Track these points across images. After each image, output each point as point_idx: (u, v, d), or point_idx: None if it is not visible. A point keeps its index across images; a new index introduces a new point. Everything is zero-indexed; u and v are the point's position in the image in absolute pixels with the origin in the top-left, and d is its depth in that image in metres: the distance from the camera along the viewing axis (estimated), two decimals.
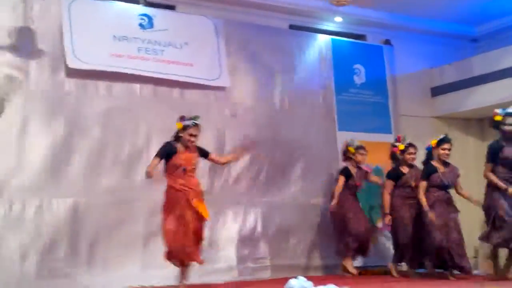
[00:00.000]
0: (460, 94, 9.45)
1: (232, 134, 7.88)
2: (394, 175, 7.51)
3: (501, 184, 6.17)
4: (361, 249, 7.67)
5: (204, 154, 6.28)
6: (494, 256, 6.47)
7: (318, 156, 8.43)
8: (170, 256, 5.93)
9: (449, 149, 6.90)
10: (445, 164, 6.91)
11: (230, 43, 8.13)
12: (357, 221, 7.57)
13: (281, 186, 8.11)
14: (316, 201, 8.27)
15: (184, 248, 5.83)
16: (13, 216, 6.44)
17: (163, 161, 6.04)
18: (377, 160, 8.34)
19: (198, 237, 5.97)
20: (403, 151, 7.51)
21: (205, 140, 7.54)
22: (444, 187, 6.87)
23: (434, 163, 6.90)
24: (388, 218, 7.43)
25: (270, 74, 8.42)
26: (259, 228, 7.80)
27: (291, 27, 9.05)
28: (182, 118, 6.12)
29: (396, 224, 7.37)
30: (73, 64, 6.94)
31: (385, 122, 9.03)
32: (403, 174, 7.47)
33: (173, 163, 5.97)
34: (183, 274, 6.04)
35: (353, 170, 7.76)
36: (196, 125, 6.08)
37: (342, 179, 7.70)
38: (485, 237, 6.39)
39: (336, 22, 9.30)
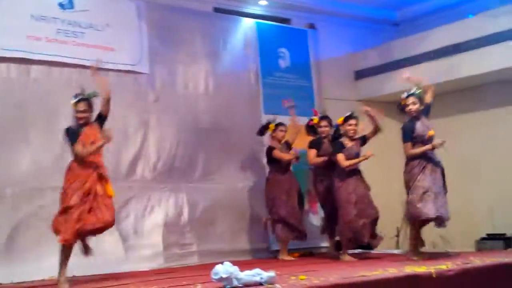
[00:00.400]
0: (382, 77, 9.64)
1: (156, 119, 7.75)
2: (316, 144, 7.55)
3: (426, 147, 6.33)
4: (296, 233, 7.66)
5: (101, 119, 5.83)
6: (415, 233, 6.56)
7: (244, 139, 8.41)
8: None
9: (356, 125, 7.02)
10: (352, 140, 7.03)
11: (153, 27, 7.96)
12: (289, 207, 7.56)
13: (207, 171, 8.06)
14: (243, 185, 8.27)
15: None
16: None
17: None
18: (302, 144, 8.38)
19: None
20: (318, 125, 7.62)
21: (129, 126, 7.50)
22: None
23: (343, 140, 7.02)
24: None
25: (194, 58, 8.32)
26: (185, 214, 7.71)
27: (216, 10, 8.96)
28: (75, 96, 5.78)
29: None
30: None
31: (310, 105, 9.07)
32: (323, 144, 7.53)
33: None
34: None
35: (277, 147, 7.73)
36: (81, 100, 5.71)
37: (277, 152, 7.63)
38: (412, 212, 6.40)
39: (261, 6, 9.30)
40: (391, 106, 10.06)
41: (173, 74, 8.08)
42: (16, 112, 6.78)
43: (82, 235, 5.52)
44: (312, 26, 9.63)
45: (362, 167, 7.17)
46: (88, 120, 5.75)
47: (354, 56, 10.06)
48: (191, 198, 7.80)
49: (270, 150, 7.71)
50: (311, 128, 7.76)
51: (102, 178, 5.67)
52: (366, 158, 6.82)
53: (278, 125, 7.79)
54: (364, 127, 7.15)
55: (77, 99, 5.73)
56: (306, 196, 8.06)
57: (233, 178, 8.21)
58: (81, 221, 5.40)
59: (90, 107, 5.77)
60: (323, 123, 7.58)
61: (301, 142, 8.03)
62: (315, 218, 8.50)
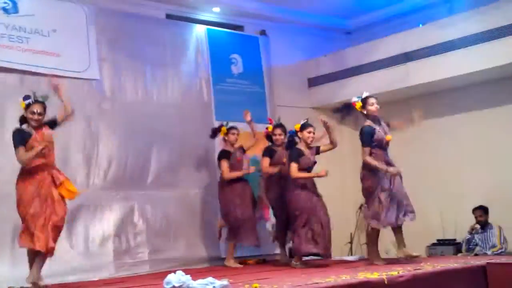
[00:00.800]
0: (335, 85, 9.71)
1: (105, 126, 7.63)
2: (270, 152, 7.51)
3: (382, 166, 6.34)
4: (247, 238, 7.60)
5: (53, 123, 5.85)
6: (374, 238, 6.60)
7: (196, 146, 8.37)
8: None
9: (313, 133, 6.98)
10: (309, 148, 7.02)
11: (102, 33, 7.85)
12: (242, 210, 7.52)
13: (159, 178, 7.97)
14: (195, 192, 8.22)
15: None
16: None
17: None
18: (253, 151, 8.36)
19: None
20: (272, 132, 7.58)
21: (77, 132, 7.34)
22: (309, 170, 6.98)
23: (300, 146, 7.00)
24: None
25: (144, 65, 8.23)
26: (136, 222, 7.61)
27: (168, 16, 8.89)
28: (25, 97, 5.71)
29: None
30: None
31: (262, 112, 9.06)
32: (276, 152, 7.50)
33: (31, 147, 5.55)
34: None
35: (231, 149, 7.70)
36: (37, 102, 5.67)
37: (225, 162, 7.58)
38: (374, 219, 6.43)
39: (214, 12, 9.27)
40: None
41: (123, 80, 7.95)
42: None
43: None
44: (263, 33, 9.64)
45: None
46: (41, 123, 5.69)
47: (307, 63, 10.10)
48: (143, 206, 7.70)
49: (221, 154, 7.67)
50: (268, 137, 7.72)
51: (56, 181, 5.63)
52: (319, 176, 6.78)
53: (230, 128, 7.77)
54: (319, 136, 7.13)
55: (32, 101, 5.66)
56: (258, 202, 8.03)
57: (185, 185, 8.14)
58: (47, 225, 5.43)
59: (44, 110, 5.72)
60: (277, 131, 7.54)
61: (254, 149, 8.01)
62: (267, 224, 8.47)
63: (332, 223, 6.84)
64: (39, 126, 5.69)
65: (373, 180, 6.40)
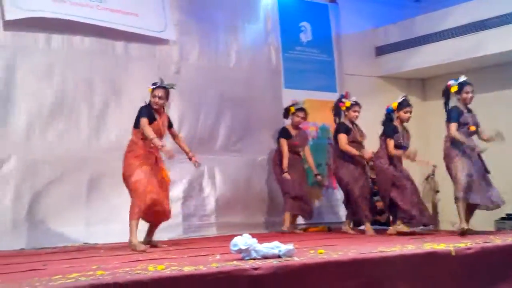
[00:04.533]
0: (403, 54, 9.54)
1: (177, 90, 7.72)
2: (346, 129, 7.44)
3: (470, 143, 6.38)
4: (303, 212, 7.75)
5: (169, 124, 6.24)
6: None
7: (264, 113, 8.42)
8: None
9: (411, 112, 7.01)
10: (403, 126, 7.04)
11: None
12: (296, 184, 7.63)
13: (227, 143, 8.09)
14: (262, 158, 8.29)
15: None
16: None
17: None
18: (322, 119, 8.38)
19: None
20: (348, 108, 7.52)
21: (148, 97, 7.48)
22: (401, 148, 6.99)
23: (396, 123, 7.02)
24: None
25: (216, 30, 8.28)
26: (204, 185, 7.78)
27: None
28: (153, 84, 6.05)
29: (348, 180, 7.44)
30: (11, 15, 6.60)
31: (330, 80, 9.04)
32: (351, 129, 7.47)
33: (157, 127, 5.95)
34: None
35: (292, 131, 7.77)
36: (160, 87, 6.00)
37: (284, 142, 7.72)
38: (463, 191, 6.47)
39: None
40: (411, 82, 10.09)
41: (195, 45, 8.05)
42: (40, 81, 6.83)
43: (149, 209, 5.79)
44: (333, 1, 9.53)
45: None
46: (162, 108, 6.05)
47: (375, 31, 9.95)
48: (211, 170, 7.84)
49: (281, 132, 7.78)
50: (338, 110, 7.66)
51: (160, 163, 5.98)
52: (426, 164, 6.96)
53: (298, 110, 7.77)
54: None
55: (156, 86, 5.99)
56: (326, 170, 8.04)
57: (252, 151, 8.22)
58: (148, 193, 5.74)
59: (167, 96, 6.06)
60: (357, 108, 7.43)
61: (321, 117, 8.01)
62: (335, 193, 8.51)
63: None
64: (160, 110, 6.01)
65: (451, 157, 6.45)
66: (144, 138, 5.87)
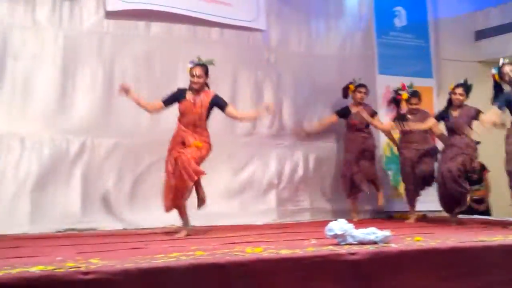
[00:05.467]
0: (506, 38, 9.14)
1: (270, 77, 7.83)
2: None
3: None
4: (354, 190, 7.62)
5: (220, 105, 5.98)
6: None
7: None
8: None
9: (461, 94, 6.73)
10: (460, 107, 6.77)
11: None
12: (348, 164, 7.55)
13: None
14: None
15: None
16: (60, 154, 6.57)
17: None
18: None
19: None
20: (406, 99, 7.37)
21: (244, 83, 7.60)
22: (451, 131, 6.78)
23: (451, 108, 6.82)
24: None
25: (308, 17, 8.25)
26: (299, 171, 7.82)
27: None
28: (190, 62, 5.96)
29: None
30: (112, 6, 6.91)
31: (426, 66, 8.82)
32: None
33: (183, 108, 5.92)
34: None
35: (354, 109, 7.68)
36: (197, 65, 5.88)
37: (333, 117, 7.78)
38: None
39: None
40: None
41: (287, 32, 8.07)
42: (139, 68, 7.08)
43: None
44: None
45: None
46: (202, 87, 5.89)
47: (474, 14, 9.57)
48: (306, 156, 7.87)
49: (343, 110, 7.71)
50: (396, 102, 7.51)
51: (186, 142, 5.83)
52: None
53: (358, 86, 7.67)
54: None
55: (193, 65, 5.88)
56: None
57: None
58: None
59: (205, 73, 5.90)
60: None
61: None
62: None
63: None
64: (198, 90, 5.88)
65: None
66: (180, 120, 5.89)
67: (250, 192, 7.40)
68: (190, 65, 5.92)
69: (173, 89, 6.52)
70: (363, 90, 7.68)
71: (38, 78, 6.61)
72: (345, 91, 7.81)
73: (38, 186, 6.41)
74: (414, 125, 7.05)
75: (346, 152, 7.66)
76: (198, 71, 5.85)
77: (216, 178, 6.76)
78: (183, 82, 7.09)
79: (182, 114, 5.89)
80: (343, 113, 7.74)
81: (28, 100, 6.55)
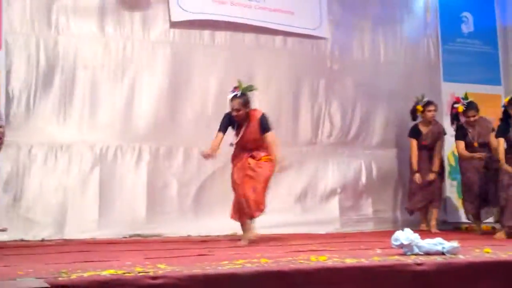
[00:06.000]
0: None
1: (333, 85, 7.81)
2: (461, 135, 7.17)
3: None
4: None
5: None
6: None
7: None
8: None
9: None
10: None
11: None
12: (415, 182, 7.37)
13: (385, 138, 8.00)
14: None
15: None
16: (126, 162, 6.74)
17: None
18: (484, 112, 7.98)
19: None
20: (463, 112, 7.18)
21: (306, 91, 7.60)
22: None
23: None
24: None
25: (372, 24, 8.19)
26: (362, 180, 7.77)
27: None
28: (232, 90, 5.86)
29: None
30: (176, 15, 7.03)
31: (495, 73, 8.61)
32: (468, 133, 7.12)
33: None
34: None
35: (423, 129, 7.51)
36: (235, 97, 5.75)
37: (413, 142, 7.47)
38: None
39: None
40: None
41: (351, 39, 8.03)
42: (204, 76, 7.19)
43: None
44: None
45: None
46: (244, 118, 5.79)
47: None
48: (369, 165, 7.82)
49: (410, 131, 7.56)
50: (455, 116, 7.32)
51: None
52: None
53: (426, 105, 7.49)
54: None
55: (231, 95, 5.78)
56: None
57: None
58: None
59: (244, 105, 5.75)
60: (472, 112, 7.03)
61: (483, 111, 7.65)
62: None
63: None
64: (242, 121, 5.79)
65: None
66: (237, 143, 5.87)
67: (313, 201, 7.40)
68: (229, 96, 5.85)
69: None
70: (432, 108, 7.50)
71: (106, 87, 6.79)
72: (414, 114, 7.64)
73: (105, 193, 6.58)
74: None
75: (418, 169, 7.43)
76: (236, 104, 5.73)
77: (279, 187, 6.76)
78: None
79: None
80: (414, 133, 7.55)
81: (96, 108, 6.74)
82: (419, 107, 7.54)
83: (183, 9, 7.07)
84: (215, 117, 7.02)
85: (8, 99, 6.34)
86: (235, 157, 5.92)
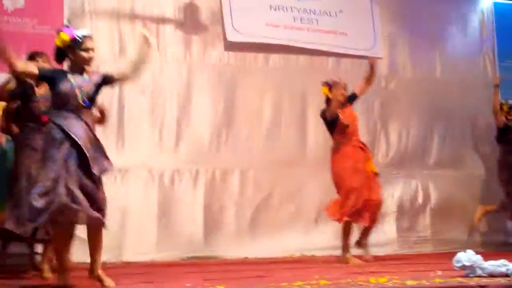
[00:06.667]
0: None
1: (388, 104, 7.76)
2: None
3: None
4: None
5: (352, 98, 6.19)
6: None
7: (479, 126, 8.11)
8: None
9: None
10: None
11: (386, 10, 7.93)
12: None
13: (441, 158, 7.88)
14: (479, 173, 7.96)
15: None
16: (183, 185, 6.82)
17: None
18: None
19: None
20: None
21: (361, 112, 7.53)
22: None
23: None
24: None
25: (427, 42, 8.11)
26: (419, 200, 7.66)
27: None
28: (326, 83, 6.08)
29: None
30: (232, 37, 7.13)
31: None
32: None
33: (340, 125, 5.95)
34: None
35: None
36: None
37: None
38: None
39: None
40: None
41: (406, 57, 7.99)
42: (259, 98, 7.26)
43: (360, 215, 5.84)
44: None
45: None
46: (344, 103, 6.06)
47: None
48: (425, 185, 7.71)
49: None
50: None
51: (366, 156, 5.98)
52: None
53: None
54: None
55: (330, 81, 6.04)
56: None
57: (468, 165, 7.93)
58: (359, 200, 5.77)
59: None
60: None
61: None
62: None
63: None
64: (342, 105, 6.02)
65: None
66: (343, 135, 5.93)
67: None
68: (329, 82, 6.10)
69: (293, 118, 6.68)
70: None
71: (163, 111, 6.91)
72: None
73: (163, 215, 6.68)
74: None
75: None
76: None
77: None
78: (301, 112, 7.25)
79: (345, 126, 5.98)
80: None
81: (153, 131, 6.87)
82: (505, 107, 7.48)
83: (237, 31, 7.17)
84: (269, 139, 7.13)
85: None
86: (348, 153, 5.96)
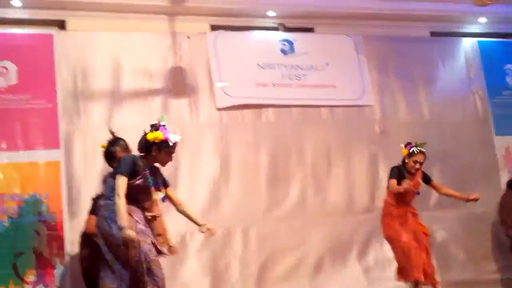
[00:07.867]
0: None
1: (383, 150, 7.75)
2: None
3: None
4: None
5: (427, 180, 6.40)
6: None
7: (476, 164, 8.12)
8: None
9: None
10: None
11: (371, 59, 8.04)
12: None
13: (441, 198, 7.75)
14: (482, 210, 7.87)
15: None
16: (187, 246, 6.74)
17: None
18: None
19: None
20: None
21: (357, 159, 7.57)
22: None
23: None
24: None
25: (415, 85, 8.22)
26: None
27: (433, 34, 8.76)
28: (407, 145, 6.22)
29: None
30: (222, 103, 7.20)
31: None
32: None
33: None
34: None
35: None
36: (421, 152, 6.18)
37: None
38: None
39: (480, 23, 8.87)
40: None
41: (396, 102, 8.06)
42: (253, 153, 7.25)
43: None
44: None
45: None
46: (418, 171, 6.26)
47: None
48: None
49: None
50: None
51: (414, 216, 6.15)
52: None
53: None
54: None
55: (416, 150, 6.22)
56: None
57: (470, 203, 7.83)
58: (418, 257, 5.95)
59: (425, 158, 6.23)
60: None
61: None
62: None
63: None
64: (414, 173, 6.20)
65: None
66: (398, 199, 6.06)
67: (376, 269, 7.27)
68: (409, 149, 6.26)
69: (289, 171, 6.63)
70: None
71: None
72: None
73: (168, 276, 6.36)
74: None
75: None
76: (421, 158, 6.24)
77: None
78: (297, 162, 7.21)
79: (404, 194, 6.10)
80: None
81: None
82: None
83: (228, 95, 7.24)
84: (268, 193, 7.08)
85: None
86: (397, 216, 6.14)
